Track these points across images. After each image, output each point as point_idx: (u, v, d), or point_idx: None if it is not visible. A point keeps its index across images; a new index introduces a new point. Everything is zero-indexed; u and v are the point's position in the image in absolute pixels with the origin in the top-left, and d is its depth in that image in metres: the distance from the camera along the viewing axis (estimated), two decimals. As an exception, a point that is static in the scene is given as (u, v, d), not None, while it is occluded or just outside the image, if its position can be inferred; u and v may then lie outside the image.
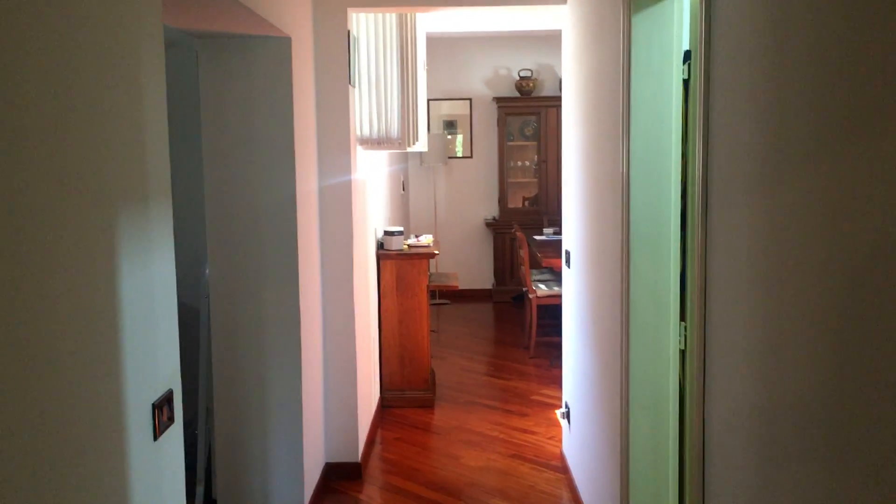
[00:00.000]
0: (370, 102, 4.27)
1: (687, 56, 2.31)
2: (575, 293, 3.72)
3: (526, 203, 8.93)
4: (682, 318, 2.56)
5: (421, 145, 5.00)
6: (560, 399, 5.24)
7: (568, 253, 3.85)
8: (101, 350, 1.48)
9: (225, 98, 3.30)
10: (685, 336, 2.38)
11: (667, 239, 2.49)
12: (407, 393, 5.19)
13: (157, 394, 1.74)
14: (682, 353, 2.58)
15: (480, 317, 8.07)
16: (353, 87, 4.12)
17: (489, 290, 8.91)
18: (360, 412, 4.17)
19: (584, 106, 3.41)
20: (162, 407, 1.75)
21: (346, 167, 3.99)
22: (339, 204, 4.01)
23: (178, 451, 1.85)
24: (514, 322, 7.67)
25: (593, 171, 3.19)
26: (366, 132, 4.29)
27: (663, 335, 2.53)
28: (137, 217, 1.66)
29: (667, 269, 2.50)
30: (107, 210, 1.51)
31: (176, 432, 1.84)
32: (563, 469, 4.07)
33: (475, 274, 8.97)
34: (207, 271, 3.37)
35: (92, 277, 1.44)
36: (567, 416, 3.95)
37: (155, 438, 1.71)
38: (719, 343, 1.77)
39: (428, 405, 5.17)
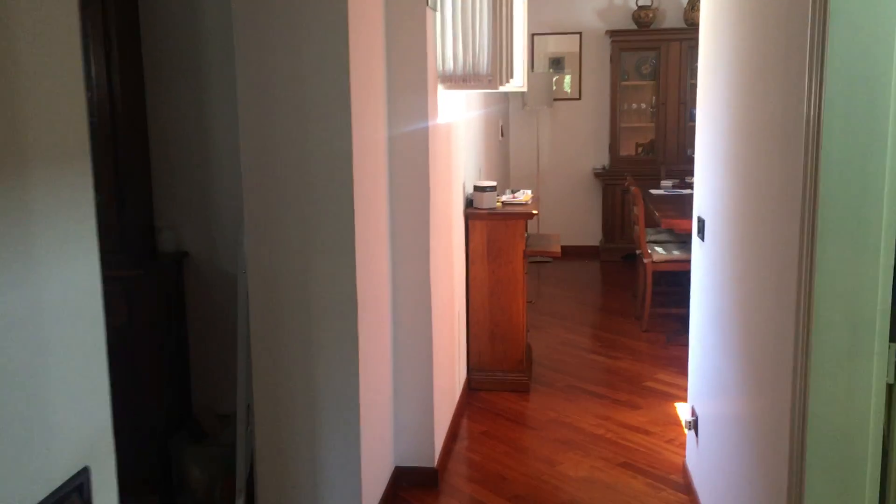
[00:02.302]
0: (454, 30, 3.48)
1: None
2: (710, 276, 2.88)
3: (640, 151, 7.94)
4: (894, 338, 1.71)
5: (517, 84, 4.19)
6: (680, 388, 4.41)
7: (701, 221, 2.99)
8: None
9: (263, 24, 2.58)
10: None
11: (875, 226, 1.64)
12: (498, 375, 4.48)
13: (46, 486, 1.06)
14: (891, 387, 1.74)
15: (586, 278, 7.24)
16: (434, 9, 3.34)
17: (596, 248, 8.04)
18: (437, 406, 3.49)
19: (739, 26, 2.52)
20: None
21: (423, 111, 3.24)
22: (413, 156, 3.27)
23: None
24: (624, 286, 6.81)
25: (753, 117, 2.32)
26: (448, 67, 3.51)
27: (862, 362, 1.70)
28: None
29: (873, 270, 1.65)
30: None
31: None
32: (687, 488, 3.28)
33: (581, 229, 8.11)
34: (245, 241, 2.72)
35: None
36: (695, 426, 3.14)
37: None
38: None
39: (522, 389, 4.45)
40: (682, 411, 4.08)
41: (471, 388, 4.48)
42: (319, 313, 2.71)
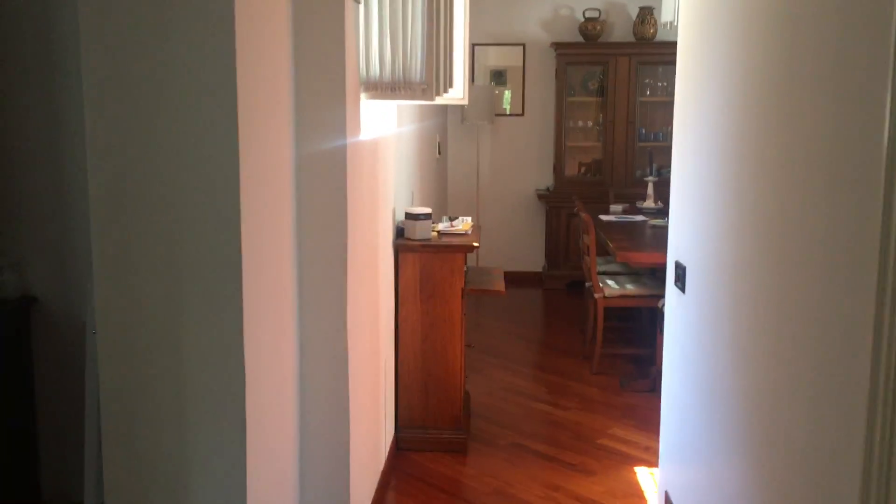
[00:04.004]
0: (381, 28, 2.86)
1: None
2: (693, 335, 2.31)
3: (582, 169, 7.44)
4: None
5: (457, 94, 3.59)
6: (639, 447, 3.86)
7: (681, 268, 2.44)
8: None
9: (117, 19, 1.92)
10: None
11: None
12: (431, 433, 3.86)
13: None
14: None
15: (528, 308, 6.69)
16: (357, 1, 2.72)
17: (539, 275, 7.50)
18: (355, 482, 2.85)
19: (746, 29, 1.97)
20: None
21: (340, 124, 2.61)
22: (328, 179, 2.63)
23: None
24: (570, 318, 6.27)
25: (774, 142, 1.76)
26: (374, 73, 2.89)
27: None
28: None
29: None
30: None
31: None
32: (657, 589, 2.71)
33: (523, 255, 7.56)
34: (94, 292, 2.04)
35: None
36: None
37: None
38: None
39: (459, 450, 3.83)
40: (644, 479, 3.52)
41: (399, 447, 3.84)
42: (193, 385, 2.04)
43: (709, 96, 2.18)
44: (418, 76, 2.84)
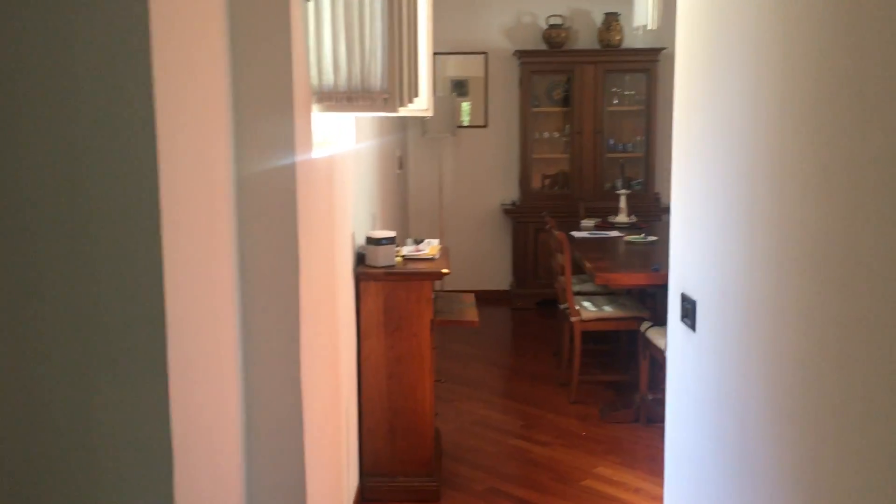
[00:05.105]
0: (335, 30, 2.49)
1: None
2: (709, 383, 1.97)
3: (547, 182, 7.13)
4: None
5: (421, 105, 3.24)
6: (627, 489, 3.52)
7: (690, 303, 2.10)
8: None
9: (6, 12, 1.52)
10: None
11: None
12: (399, 480, 3.47)
13: None
14: None
15: (497, 330, 6.33)
16: (305, -1, 2.35)
17: (507, 293, 7.16)
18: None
19: (780, 25, 1.64)
20: None
21: (288, 140, 2.23)
22: (274, 203, 2.23)
23: None
24: (542, 340, 5.93)
25: (838, 157, 1.43)
26: (327, 82, 2.51)
27: None
28: None
29: None
30: None
31: None
32: None
33: (490, 272, 7.22)
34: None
35: None
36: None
37: None
38: None
39: (431, 499, 3.45)
40: (638, 528, 3.18)
41: (364, 499, 3.45)
42: (105, 469, 1.64)
43: (721, 106, 1.86)
44: (379, 84, 2.47)
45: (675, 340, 2.26)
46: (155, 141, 1.51)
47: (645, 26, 4.67)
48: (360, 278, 3.33)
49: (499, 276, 7.23)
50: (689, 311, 2.12)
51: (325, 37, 2.50)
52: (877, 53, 1.22)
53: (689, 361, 2.15)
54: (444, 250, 3.74)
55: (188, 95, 1.76)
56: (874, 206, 1.23)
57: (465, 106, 7.14)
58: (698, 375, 2.08)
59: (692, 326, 2.10)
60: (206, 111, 1.93)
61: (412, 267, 3.39)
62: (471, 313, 3.59)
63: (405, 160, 6.85)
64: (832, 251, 1.37)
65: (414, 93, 2.72)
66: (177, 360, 1.60)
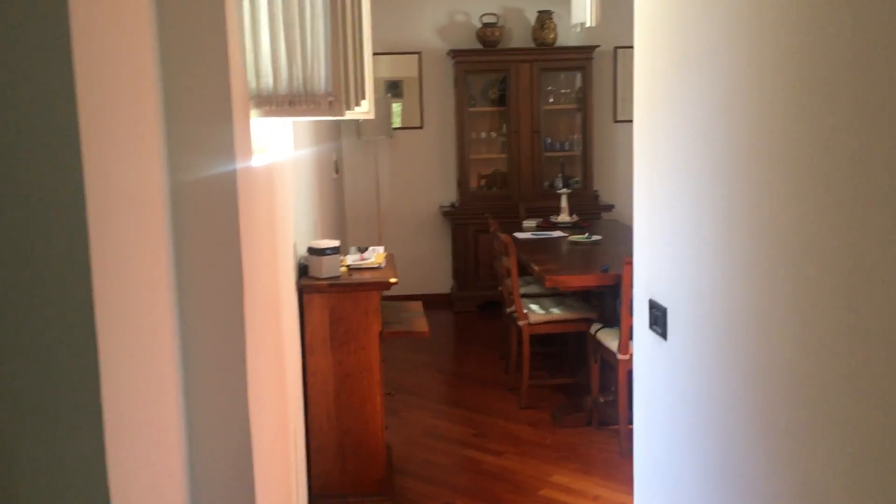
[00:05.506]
0: (274, 30, 2.32)
1: None
2: (694, 404, 1.89)
3: (483, 182, 7.03)
4: None
5: (364, 108, 3.08)
6: (585, 497, 3.44)
7: (660, 310, 2.01)
8: None
9: None
10: None
11: None
12: (350, 501, 3.31)
13: None
14: None
15: (440, 334, 6.21)
16: (240, -4, 2.18)
17: (448, 297, 7.04)
18: None
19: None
20: None
21: (228, 146, 2.05)
22: (214, 214, 2.05)
23: None
24: (486, 344, 5.83)
25: (798, 152, 1.34)
26: (266, 84, 2.34)
27: None
28: None
29: None
30: None
31: None
32: None
33: (430, 276, 7.09)
34: None
35: None
36: None
37: None
38: None
39: (384, 518, 3.31)
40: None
41: (314, 522, 3.28)
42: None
43: (694, 104, 1.77)
44: (323, 86, 2.31)
45: (644, 349, 2.17)
46: (79, 147, 1.33)
47: (583, 24, 4.61)
48: (303, 291, 3.16)
49: (439, 280, 7.11)
50: (658, 319, 2.03)
51: (262, 37, 2.33)
52: (867, 44, 1.14)
53: (659, 371, 2.07)
54: (390, 258, 3.60)
55: (114, 97, 1.57)
56: (869, 204, 1.15)
57: (397, 107, 6.99)
58: (671, 386, 1.99)
59: (663, 335, 2.01)
60: (135, 114, 1.75)
61: (358, 277, 3.24)
62: (420, 323, 3.45)
63: (340, 165, 6.67)
64: (826, 253, 1.28)
65: (361, 94, 2.57)
66: (111, 391, 1.42)
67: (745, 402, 1.59)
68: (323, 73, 2.29)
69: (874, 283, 1.17)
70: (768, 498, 1.52)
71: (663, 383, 2.04)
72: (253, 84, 2.36)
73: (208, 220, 2.07)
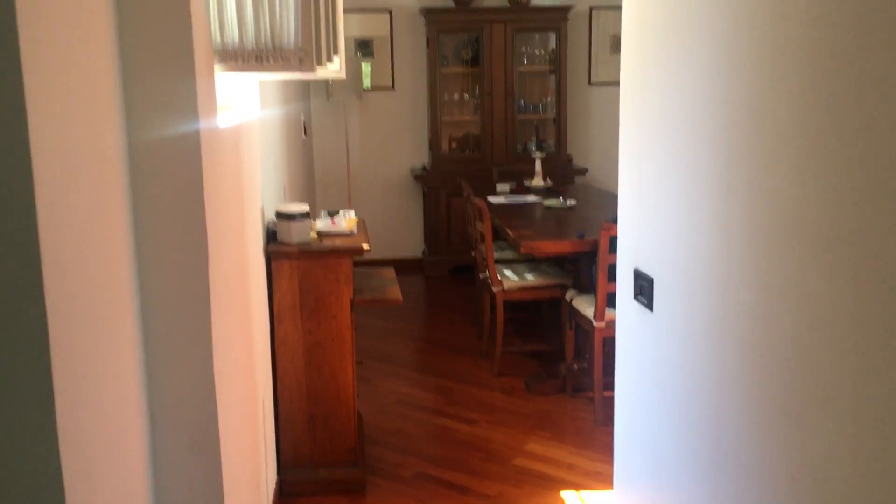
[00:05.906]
0: (239, -22, 2.16)
1: None
2: (680, 372, 1.82)
3: (454, 145, 6.90)
4: None
5: (335, 66, 2.94)
6: (560, 465, 3.40)
7: (647, 280, 1.93)
8: None
9: None
10: None
11: None
12: (321, 472, 3.23)
13: None
14: None
15: (412, 300, 6.12)
16: (202, -59, 2.01)
17: (419, 261, 6.94)
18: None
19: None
20: None
21: (190, 103, 1.91)
22: (176, 175, 1.92)
23: None
24: (458, 309, 5.76)
25: (790, 118, 1.25)
26: (231, 38, 2.19)
27: None
28: None
29: None
30: None
31: None
32: None
33: (400, 240, 6.98)
34: None
35: None
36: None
37: None
38: None
39: (356, 488, 3.23)
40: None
41: (284, 493, 3.20)
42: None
43: (691, 67, 1.67)
44: (292, 41, 2.17)
45: (628, 319, 2.09)
46: (23, 102, 1.20)
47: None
48: (272, 257, 3.04)
49: (410, 244, 7.01)
50: (644, 290, 1.95)
51: (227, -14, 2.17)
52: (874, 14, 1.05)
53: (645, 343, 1.99)
54: (362, 223, 3.48)
55: (63, 48, 1.43)
56: (874, 173, 1.07)
57: (367, 67, 6.79)
58: (657, 358, 1.92)
59: (648, 306, 1.93)
60: (88, 68, 1.61)
61: (329, 243, 3.12)
62: (393, 291, 3.35)
63: (309, 126, 6.49)
64: (828, 224, 1.20)
65: (333, 50, 2.43)
66: (62, 361, 1.30)
67: (740, 379, 1.52)
68: (292, 26, 2.15)
69: (878, 253, 1.09)
70: (764, 476, 1.46)
71: (649, 357, 1.97)
72: (217, 37, 2.22)
73: (170, 182, 1.94)
